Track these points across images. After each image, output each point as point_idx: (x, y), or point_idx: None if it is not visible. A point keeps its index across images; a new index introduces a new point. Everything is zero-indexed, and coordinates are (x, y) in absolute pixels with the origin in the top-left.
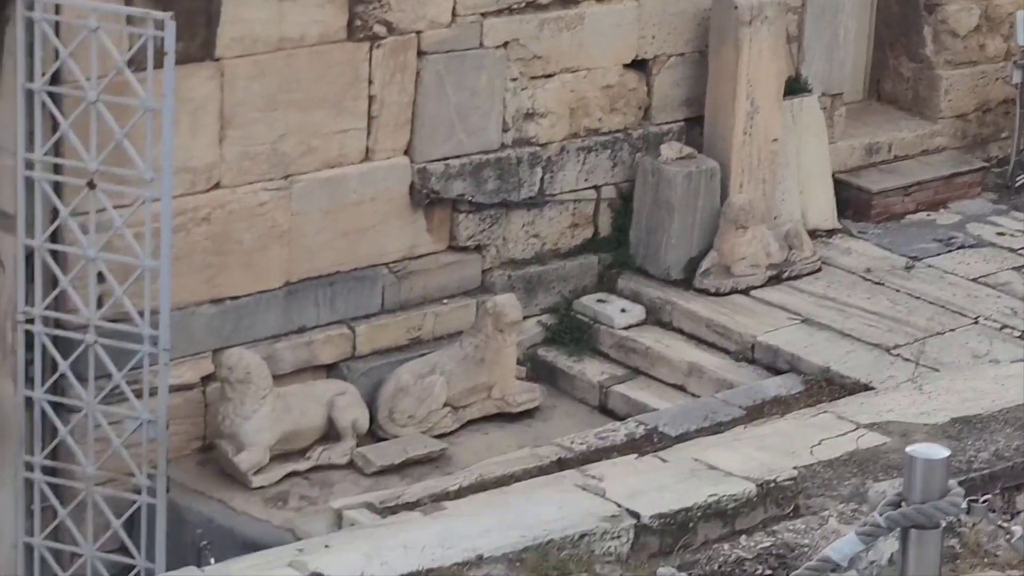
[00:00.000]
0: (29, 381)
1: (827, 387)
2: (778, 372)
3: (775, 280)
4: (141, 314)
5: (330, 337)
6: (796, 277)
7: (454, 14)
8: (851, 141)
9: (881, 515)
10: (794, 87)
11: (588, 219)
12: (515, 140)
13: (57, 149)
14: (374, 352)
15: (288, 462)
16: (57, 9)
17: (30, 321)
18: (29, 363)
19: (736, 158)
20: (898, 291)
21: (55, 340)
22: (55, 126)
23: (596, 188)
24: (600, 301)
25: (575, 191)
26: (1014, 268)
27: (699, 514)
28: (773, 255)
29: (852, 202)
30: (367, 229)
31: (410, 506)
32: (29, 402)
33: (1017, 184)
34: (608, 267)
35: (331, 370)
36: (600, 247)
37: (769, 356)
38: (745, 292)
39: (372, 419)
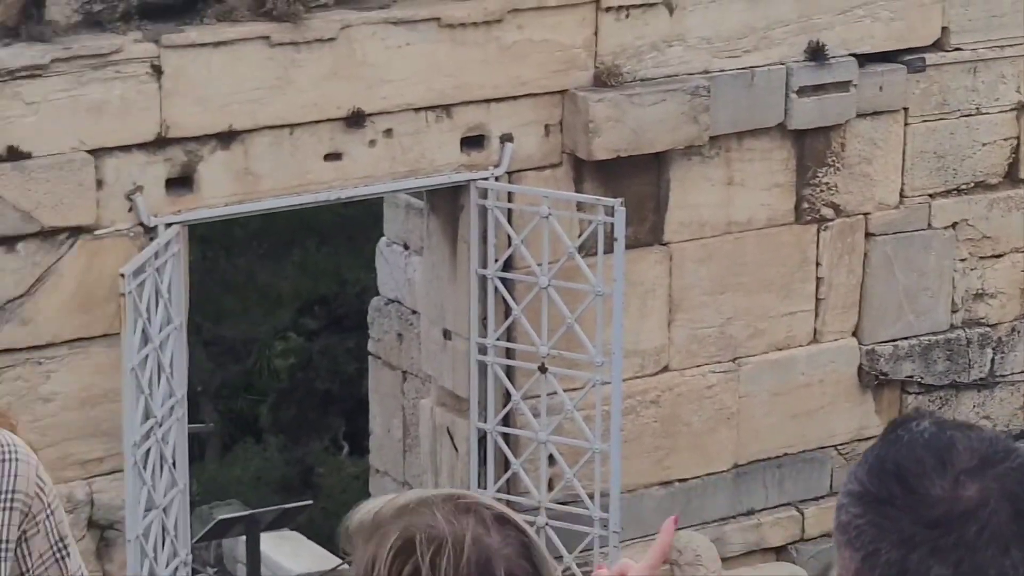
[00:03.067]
0: None
1: None
2: None
3: None
4: (591, 496)
5: (779, 519)
6: None
7: (902, 196)
8: None
9: None
10: None
11: None
12: (964, 320)
13: (509, 333)
14: (823, 535)
15: None
16: (509, 197)
17: None
18: None
19: None
20: None
21: None
22: (507, 311)
23: None
24: None
25: None
26: None
27: None
28: None
29: None
30: (815, 411)
31: None
32: None
33: None
34: None
35: (780, 553)
36: None
37: None
38: None
39: None
